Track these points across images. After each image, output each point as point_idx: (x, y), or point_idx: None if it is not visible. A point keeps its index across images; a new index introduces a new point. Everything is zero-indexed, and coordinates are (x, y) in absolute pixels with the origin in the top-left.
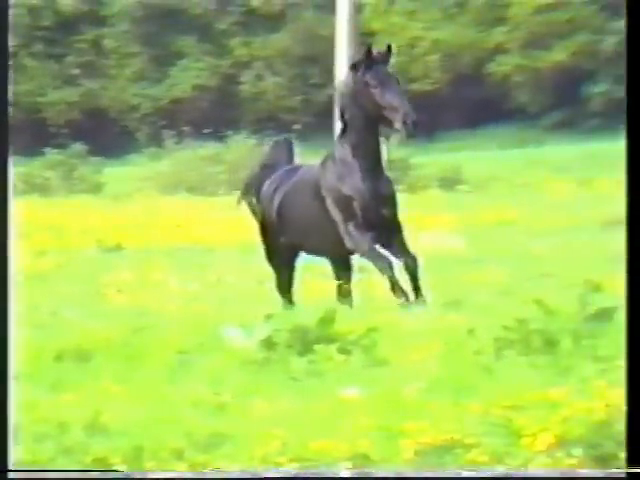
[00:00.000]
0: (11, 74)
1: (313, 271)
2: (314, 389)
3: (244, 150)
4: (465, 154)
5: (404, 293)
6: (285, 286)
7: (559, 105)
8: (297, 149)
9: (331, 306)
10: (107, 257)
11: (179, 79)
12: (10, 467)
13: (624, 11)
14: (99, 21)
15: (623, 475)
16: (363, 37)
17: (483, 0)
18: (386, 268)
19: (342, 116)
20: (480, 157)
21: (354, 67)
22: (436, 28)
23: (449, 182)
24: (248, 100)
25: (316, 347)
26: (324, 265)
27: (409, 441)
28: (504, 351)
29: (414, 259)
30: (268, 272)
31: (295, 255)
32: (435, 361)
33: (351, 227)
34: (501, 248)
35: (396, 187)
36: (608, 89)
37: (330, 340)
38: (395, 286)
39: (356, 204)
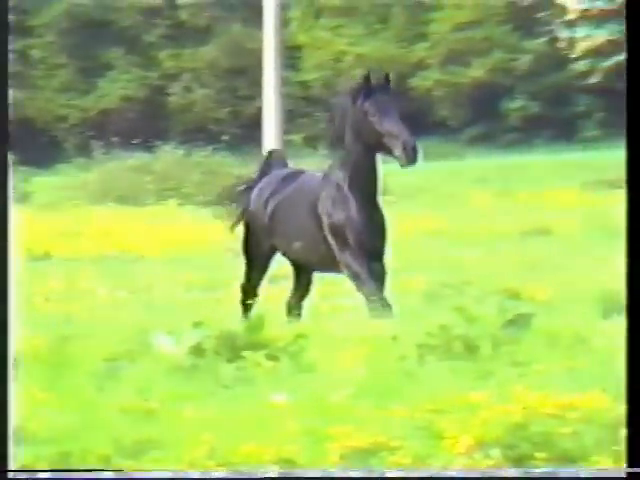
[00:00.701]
0: None
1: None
2: (242, 395)
3: (172, 160)
4: (390, 166)
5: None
6: (251, 292)
7: (478, 119)
8: (226, 160)
9: (259, 313)
10: (35, 266)
11: (107, 90)
12: (10, 467)
13: (537, 30)
14: (26, 32)
15: (623, 475)
16: (290, 51)
17: (405, 17)
18: (372, 293)
19: (337, 138)
20: (402, 169)
21: (353, 94)
22: (360, 43)
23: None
24: (176, 111)
25: (244, 353)
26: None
27: (335, 445)
28: (427, 357)
29: (383, 283)
30: (196, 280)
31: (271, 261)
32: (361, 367)
33: (347, 255)
34: (425, 257)
35: None
36: (524, 105)
37: (258, 347)
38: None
39: (349, 233)
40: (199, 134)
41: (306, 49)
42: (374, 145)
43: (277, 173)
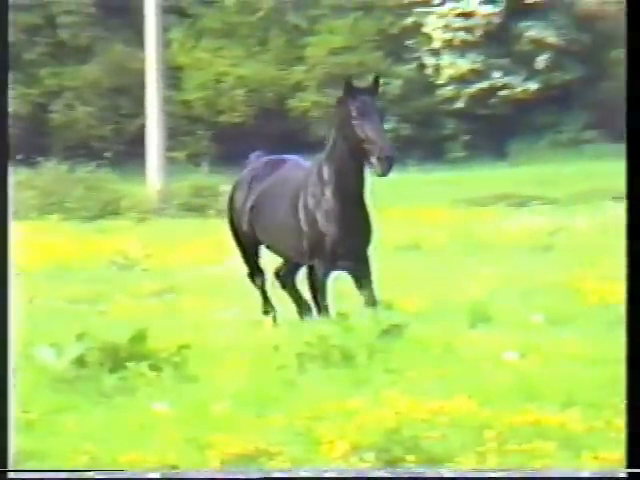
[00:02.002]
0: None
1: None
2: (125, 405)
3: (55, 176)
4: None
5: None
6: (258, 278)
7: None
8: (109, 176)
9: (143, 325)
10: None
11: None
12: (10, 467)
13: (407, 57)
14: None
15: (623, 475)
16: (172, 71)
17: (283, 40)
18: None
19: (332, 141)
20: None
21: (341, 98)
22: (240, 65)
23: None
24: (59, 128)
25: (127, 364)
26: None
27: (216, 452)
28: (306, 365)
29: (374, 301)
30: (79, 293)
31: (259, 249)
32: (242, 376)
33: (316, 259)
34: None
35: (209, 212)
36: (396, 127)
37: (142, 357)
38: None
39: (328, 239)
40: (82, 150)
41: (188, 69)
42: (355, 148)
43: (258, 161)
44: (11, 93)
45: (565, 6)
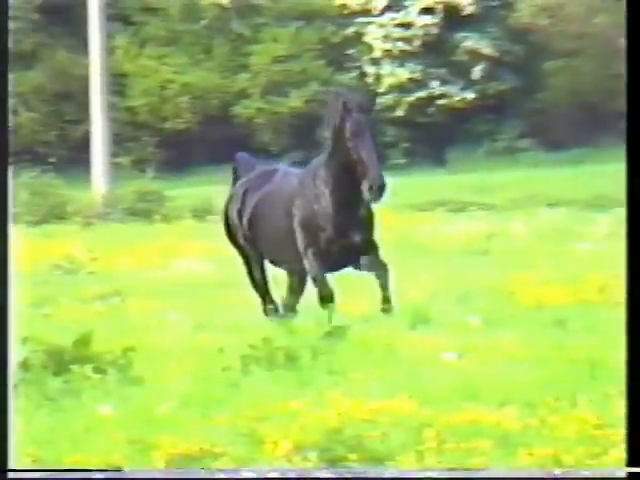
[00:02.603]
0: None
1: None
2: (69, 407)
3: None
4: (215, 188)
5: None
6: (263, 291)
7: (297, 146)
8: (54, 181)
9: (88, 328)
10: None
11: None
12: (10, 467)
13: (348, 65)
14: None
15: (623, 475)
16: (116, 78)
17: (227, 48)
18: (326, 298)
19: (329, 149)
20: (229, 190)
21: (336, 113)
22: (185, 72)
23: (201, 213)
24: None
25: (72, 367)
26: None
27: (160, 452)
28: (250, 367)
29: (385, 271)
30: (23, 296)
31: (264, 259)
32: (187, 378)
33: (310, 252)
34: (244, 272)
35: (154, 217)
36: None
37: (86, 360)
38: (330, 317)
39: (323, 234)
40: (27, 156)
41: (132, 76)
42: (348, 166)
43: (249, 175)
44: None
45: (499, 18)
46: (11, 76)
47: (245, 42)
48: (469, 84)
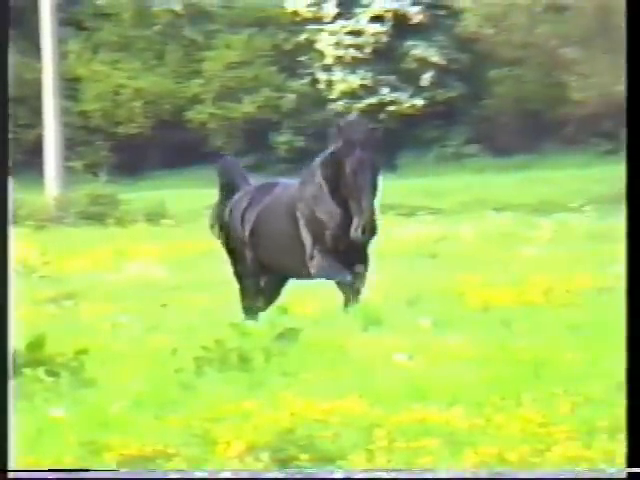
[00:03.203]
0: None
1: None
2: (22, 410)
3: None
4: (169, 192)
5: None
6: (251, 306)
7: (250, 150)
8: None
9: (41, 331)
10: None
11: None
12: (10, 467)
13: (300, 72)
14: None
15: (623, 475)
16: (69, 82)
17: (180, 54)
18: (344, 282)
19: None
20: (182, 194)
21: (338, 144)
22: (138, 77)
23: (155, 216)
24: None
25: (24, 370)
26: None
27: (112, 454)
28: (204, 368)
29: (358, 290)
30: None
31: (261, 274)
32: (140, 380)
33: (316, 251)
34: (202, 276)
35: (107, 220)
36: (290, 139)
37: (39, 363)
38: (348, 300)
39: (328, 232)
40: None
41: (85, 81)
42: (344, 195)
43: (248, 188)
44: None
45: (446, 27)
46: None
47: (198, 48)
48: (418, 91)
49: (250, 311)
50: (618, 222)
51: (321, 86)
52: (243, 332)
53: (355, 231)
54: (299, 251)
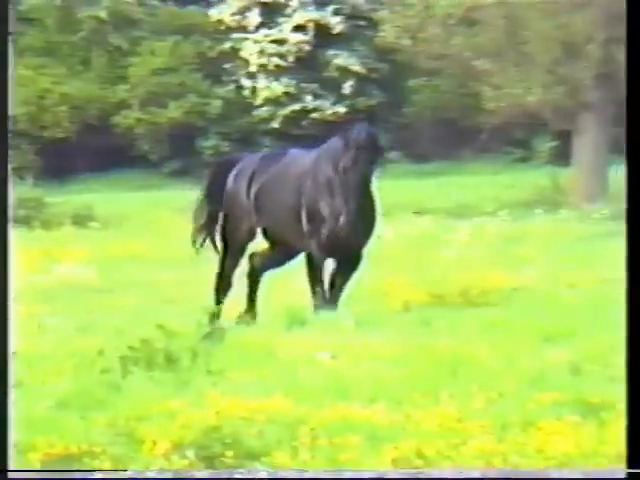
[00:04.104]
0: None
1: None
2: None
3: None
4: (96, 195)
5: (322, 302)
6: (225, 281)
7: (177, 155)
8: None
9: None
10: None
11: None
12: (10, 467)
13: (225, 79)
14: None
15: (623, 475)
16: None
17: (105, 60)
18: (317, 287)
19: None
20: (110, 198)
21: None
22: (64, 83)
23: (82, 219)
24: None
25: None
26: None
27: (37, 454)
28: (130, 368)
29: (336, 300)
30: None
31: (247, 247)
32: (67, 380)
33: (313, 244)
34: (130, 278)
35: (34, 223)
36: (216, 144)
37: None
38: (315, 295)
39: (325, 226)
40: None
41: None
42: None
43: (252, 156)
44: None
45: (366, 37)
46: None
47: (123, 55)
48: (340, 99)
49: (224, 289)
50: (530, 225)
51: (246, 93)
52: (170, 333)
53: (338, 228)
54: (298, 222)
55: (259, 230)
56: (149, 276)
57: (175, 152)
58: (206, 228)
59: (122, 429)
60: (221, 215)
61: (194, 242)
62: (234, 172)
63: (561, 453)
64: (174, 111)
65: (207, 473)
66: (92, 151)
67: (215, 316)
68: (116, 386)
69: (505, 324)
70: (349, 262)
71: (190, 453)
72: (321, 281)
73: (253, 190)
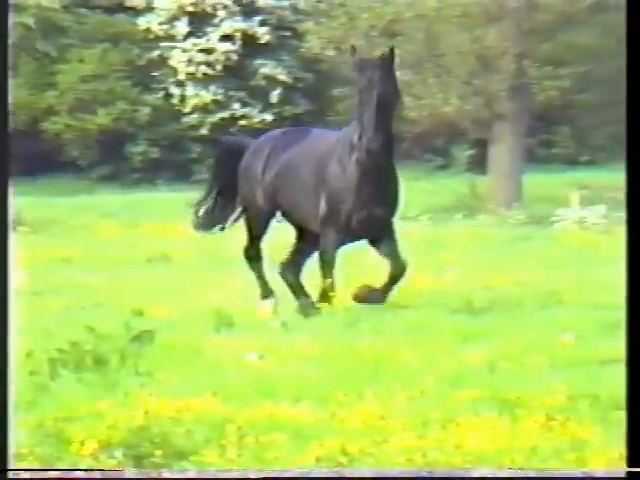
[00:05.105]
0: None
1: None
2: None
3: None
4: (25, 199)
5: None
6: (254, 253)
7: (106, 161)
8: None
9: None
10: None
11: None
12: (10, 467)
13: (154, 86)
14: None
15: (623, 475)
16: None
17: (33, 66)
18: (328, 275)
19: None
20: (39, 202)
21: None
22: None
23: (11, 224)
24: None
25: None
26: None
27: None
28: (59, 370)
29: (402, 266)
30: None
31: (270, 220)
32: None
33: (329, 228)
34: (59, 281)
35: None
36: (146, 150)
37: None
38: (322, 295)
39: (343, 207)
40: None
41: None
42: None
43: (272, 132)
44: None
45: (292, 48)
46: None
47: (52, 62)
48: (267, 107)
49: (254, 259)
50: (450, 230)
51: (175, 100)
52: (99, 335)
53: (359, 151)
54: (317, 205)
55: (277, 211)
56: (78, 279)
57: (104, 158)
58: (216, 210)
59: (50, 430)
60: (238, 199)
61: (204, 226)
62: (251, 149)
63: (478, 449)
64: (103, 118)
65: (209, 473)
66: (21, 156)
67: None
68: (44, 387)
69: (426, 325)
70: (382, 239)
71: (118, 453)
72: (331, 278)
73: (273, 169)
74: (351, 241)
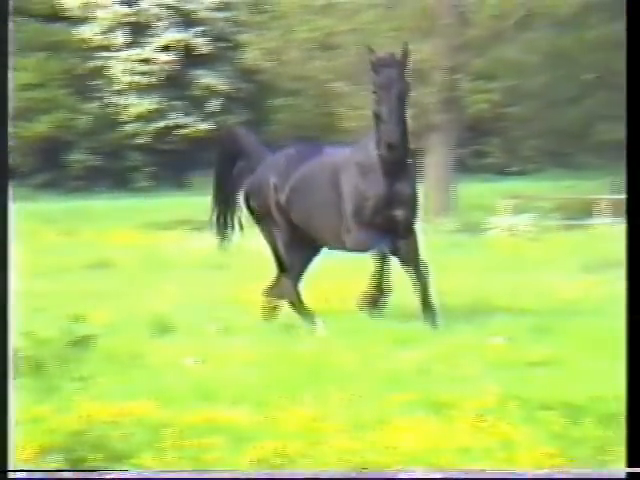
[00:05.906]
0: None
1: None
2: None
3: None
4: None
5: (380, 297)
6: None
7: (46, 168)
8: None
9: None
10: None
11: None
12: (10, 467)
13: (93, 95)
14: None
15: (623, 475)
16: None
17: None
18: (379, 268)
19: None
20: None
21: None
22: None
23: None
24: None
25: None
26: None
27: None
28: None
29: (423, 269)
30: None
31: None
32: None
33: (354, 223)
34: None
35: None
36: (85, 158)
37: None
38: (378, 288)
39: (369, 204)
40: None
41: None
42: (375, 117)
43: (288, 149)
44: None
45: (231, 59)
46: None
47: None
48: (206, 116)
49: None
50: None
51: (114, 109)
52: (37, 341)
53: (376, 146)
54: (336, 220)
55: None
56: (18, 286)
57: (43, 165)
58: (225, 212)
59: None
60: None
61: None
62: (265, 165)
63: (411, 449)
64: (42, 125)
65: (212, 473)
66: None
67: None
68: None
69: (362, 330)
70: (407, 243)
71: (57, 457)
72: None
73: (287, 187)
74: (378, 243)
